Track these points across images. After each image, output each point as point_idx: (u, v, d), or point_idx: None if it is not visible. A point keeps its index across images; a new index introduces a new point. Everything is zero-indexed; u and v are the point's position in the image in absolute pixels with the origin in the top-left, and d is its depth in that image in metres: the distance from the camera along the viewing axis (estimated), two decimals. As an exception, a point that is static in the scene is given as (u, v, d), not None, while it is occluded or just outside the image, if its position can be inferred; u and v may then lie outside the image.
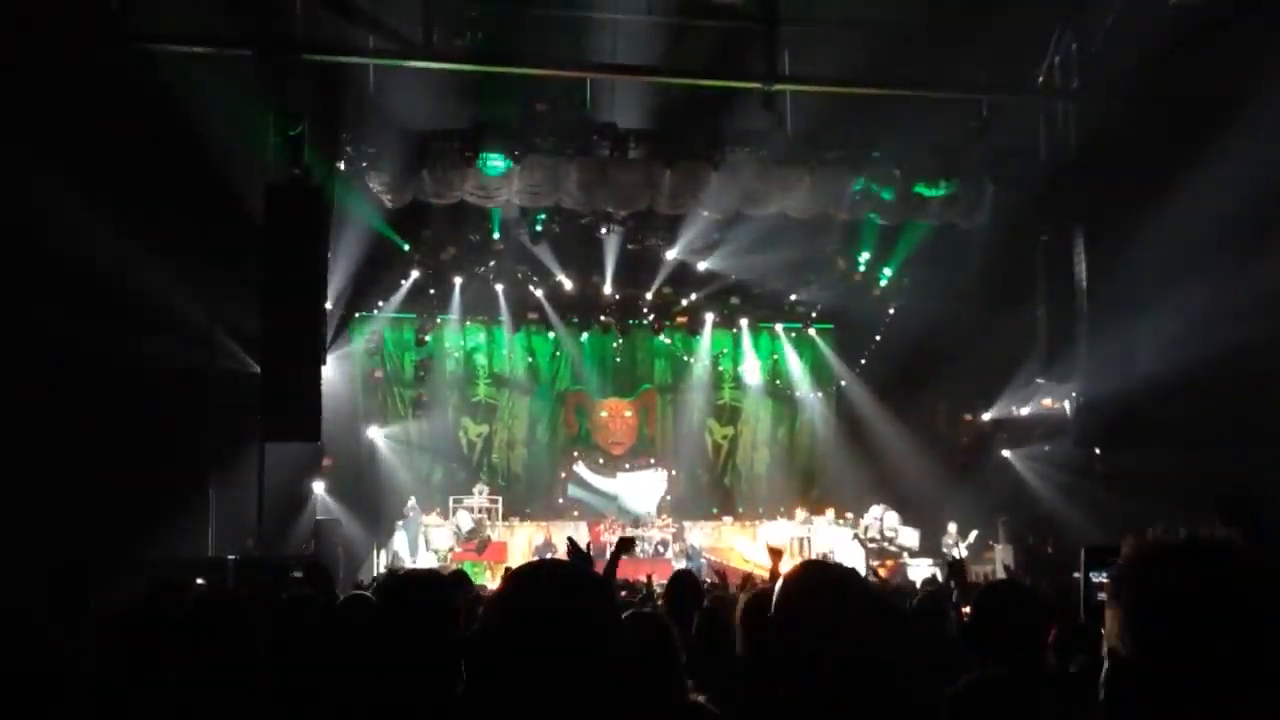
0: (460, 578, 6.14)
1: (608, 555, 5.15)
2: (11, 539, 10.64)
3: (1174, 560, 1.32)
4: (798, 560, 4.99)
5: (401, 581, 3.04)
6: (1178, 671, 1.27)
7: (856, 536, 18.96)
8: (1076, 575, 4.82)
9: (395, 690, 2.58)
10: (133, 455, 12.45)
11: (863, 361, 21.38)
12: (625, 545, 4.88)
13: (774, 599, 2.22)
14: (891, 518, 18.88)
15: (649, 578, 10.70)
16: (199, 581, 10.55)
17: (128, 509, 12.41)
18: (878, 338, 20.67)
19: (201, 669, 3.40)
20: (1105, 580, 1.48)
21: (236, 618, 3.68)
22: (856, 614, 2.20)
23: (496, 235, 17.94)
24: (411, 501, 18.79)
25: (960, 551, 17.02)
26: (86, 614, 4.00)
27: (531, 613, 1.74)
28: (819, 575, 2.32)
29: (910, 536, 17.93)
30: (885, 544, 18.49)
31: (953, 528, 17.74)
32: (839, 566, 2.67)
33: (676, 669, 2.95)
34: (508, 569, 2.65)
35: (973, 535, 17.62)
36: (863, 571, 16.94)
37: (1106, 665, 1.33)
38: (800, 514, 19.74)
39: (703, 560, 18.06)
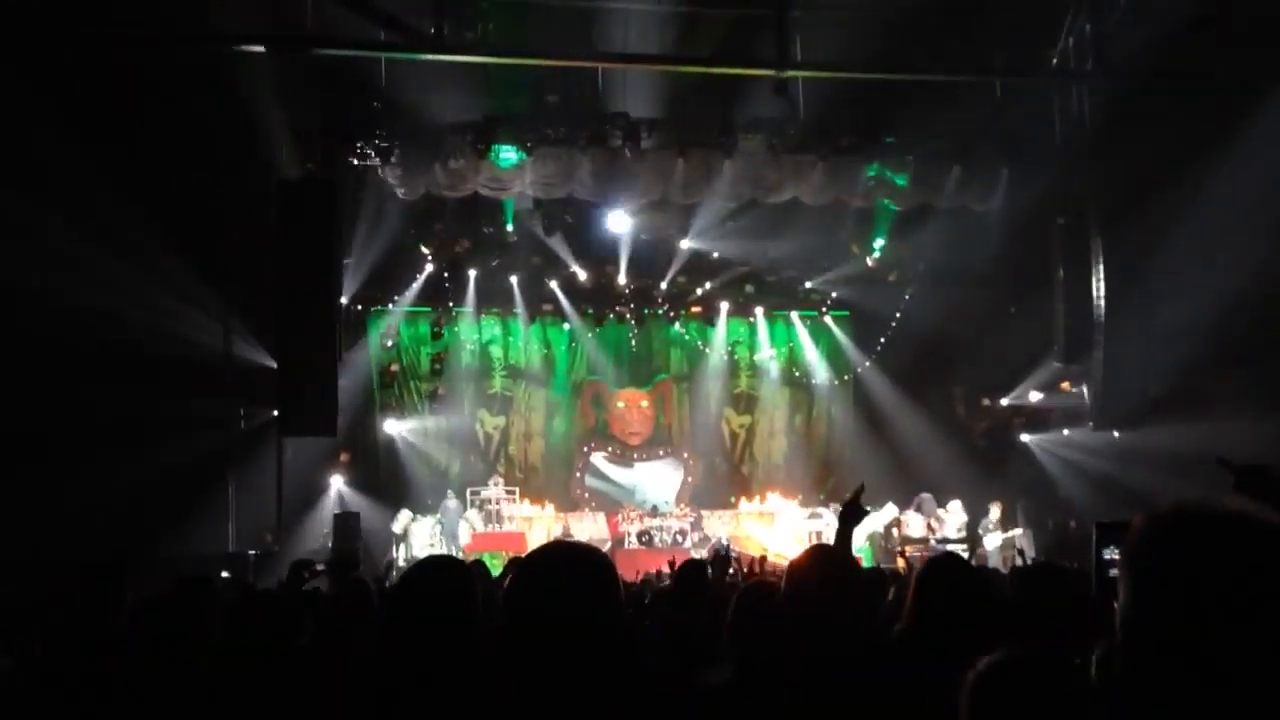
0: (480, 568, 6.15)
1: (626, 545, 5.15)
2: (29, 539, 10.72)
3: (1189, 529, 1.30)
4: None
5: (425, 565, 3.04)
6: (1192, 646, 1.25)
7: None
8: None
9: (419, 673, 2.59)
10: (151, 452, 12.51)
11: (879, 348, 21.27)
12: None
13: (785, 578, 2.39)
14: (930, 505, 18.66)
15: (670, 564, 10.63)
16: (224, 574, 10.67)
17: (147, 506, 12.49)
18: (894, 324, 20.57)
19: (236, 661, 3.43)
20: (1118, 556, 1.44)
21: (270, 611, 3.72)
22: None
23: (510, 227, 17.94)
24: (450, 494, 18.81)
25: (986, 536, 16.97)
26: (123, 610, 4.03)
27: (540, 589, 1.76)
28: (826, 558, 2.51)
29: (918, 523, 17.73)
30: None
31: (995, 512, 17.48)
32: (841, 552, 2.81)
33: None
34: (514, 557, 2.71)
35: (994, 512, 17.36)
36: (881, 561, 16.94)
37: (1119, 640, 1.32)
38: (818, 501, 19.69)
39: (731, 552, 17.93)
